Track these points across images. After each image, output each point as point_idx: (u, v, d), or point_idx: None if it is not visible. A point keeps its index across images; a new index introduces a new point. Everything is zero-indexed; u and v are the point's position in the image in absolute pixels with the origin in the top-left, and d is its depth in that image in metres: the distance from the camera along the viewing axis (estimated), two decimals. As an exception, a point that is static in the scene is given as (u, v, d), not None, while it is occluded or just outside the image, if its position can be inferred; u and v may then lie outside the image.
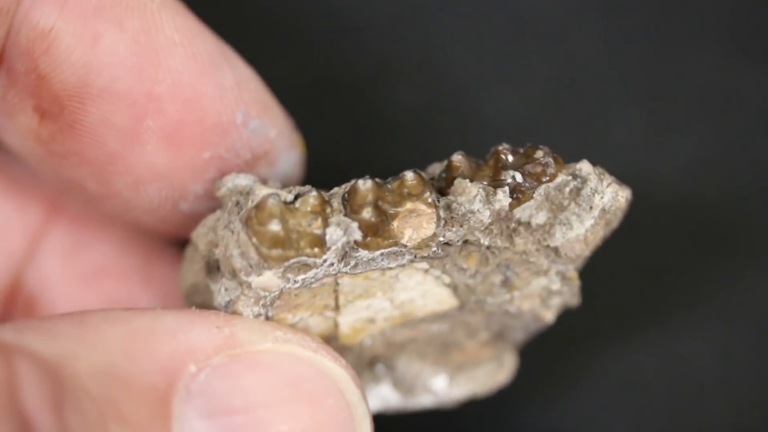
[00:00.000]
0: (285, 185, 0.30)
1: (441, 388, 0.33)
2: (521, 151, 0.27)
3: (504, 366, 0.33)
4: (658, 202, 0.39)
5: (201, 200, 0.29)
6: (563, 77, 0.40)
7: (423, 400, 0.33)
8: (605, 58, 0.41)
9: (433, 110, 0.40)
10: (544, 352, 0.38)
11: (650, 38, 0.41)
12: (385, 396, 0.33)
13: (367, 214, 0.26)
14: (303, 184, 0.31)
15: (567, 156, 0.30)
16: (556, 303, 0.30)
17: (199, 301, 0.29)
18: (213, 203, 0.29)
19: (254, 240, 0.25)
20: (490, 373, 0.33)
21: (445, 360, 0.32)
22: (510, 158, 0.27)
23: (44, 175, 0.30)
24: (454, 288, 0.30)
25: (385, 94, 0.40)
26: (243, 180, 0.28)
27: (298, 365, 0.26)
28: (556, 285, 0.30)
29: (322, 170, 0.33)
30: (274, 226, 0.25)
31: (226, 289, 0.27)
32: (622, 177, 0.29)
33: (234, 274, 0.26)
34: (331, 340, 0.30)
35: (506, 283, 0.30)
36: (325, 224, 0.26)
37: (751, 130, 0.40)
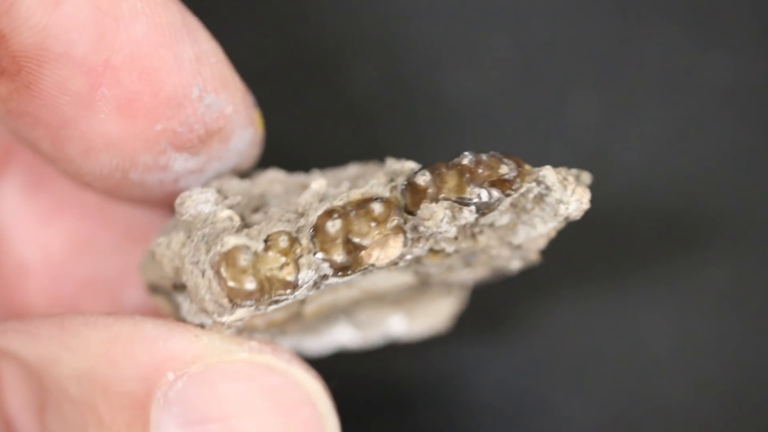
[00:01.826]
0: (241, 175, 0.30)
1: (399, 325, 0.33)
2: (485, 159, 0.27)
3: (455, 296, 0.33)
4: (618, 183, 0.38)
5: (151, 171, 0.28)
6: (523, 58, 0.39)
7: (381, 337, 0.33)
8: (565, 38, 0.39)
9: (393, 91, 0.39)
10: (504, 328, 0.38)
11: (610, 19, 0.39)
12: (343, 337, 0.33)
13: (338, 256, 0.26)
14: (264, 163, 0.31)
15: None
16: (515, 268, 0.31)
17: (163, 294, 0.30)
18: (162, 174, 0.29)
19: (227, 293, 0.25)
20: (445, 305, 0.33)
21: (401, 301, 0.33)
22: (476, 171, 0.26)
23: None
24: (416, 273, 0.30)
25: (346, 74, 0.39)
26: (205, 205, 0.27)
27: (272, 376, 0.26)
28: (516, 263, 0.30)
29: (282, 150, 0.32)
30: (249, 285, 0.25)
31: (195, 314, 0.27)
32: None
33: (205, 311, 0.26)
34: (294, 317, 0.30)
35: (468, 265, 0.30)
36: (297, 269, 0.26)
37: (710, 112, 0.39)
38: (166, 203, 0.30)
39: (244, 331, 0.28)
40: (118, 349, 0.26)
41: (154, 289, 0.30)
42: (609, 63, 0.40)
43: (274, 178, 0.29)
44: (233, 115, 0.28)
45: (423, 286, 0.32)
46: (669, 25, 0.40)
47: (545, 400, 0.39)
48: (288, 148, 0.32)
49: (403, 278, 0.30)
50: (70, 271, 0.33)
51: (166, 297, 0.30)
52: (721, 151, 0.39)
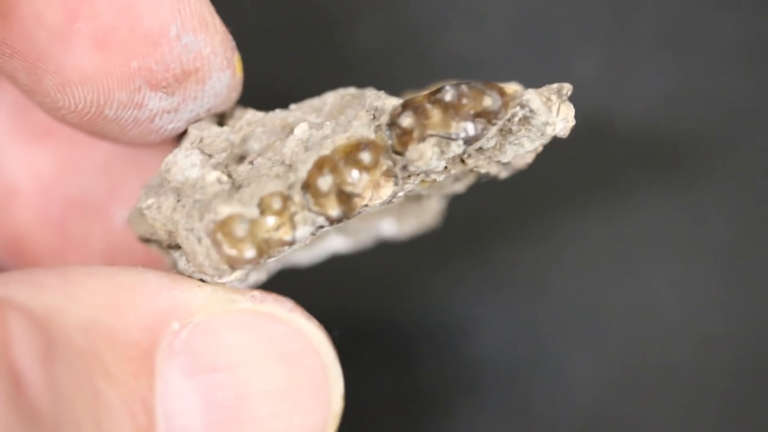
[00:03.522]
0: (219, 122, 0.30)
1: (389, 228, 0.33)
2: (467, 91, 0.26)
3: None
4: (619, 138, 0.38)
5: (125, 108, 0.28)
6: (524, 13, 0.39)
7: (372, 240, 0.33)
8: None
9: (394, 47, 0.39)
10: (508, 284, 0.38)
11: None
12: (334, 244, 0.33)
13: (333, 210, 0.26)
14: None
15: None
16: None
17: (156, 245, 0.30)
18: (137, 112, 0.29)
19: (227, 260, 0.26)
20: (432, 204, 0.33)
21: (389, 207, 0.32)
22: (460, 105, 0.26)
23: None
24: (406, 195, 0.31)
25: (347, 30, 0.39)
26: (191, 170, 0.27)
27: (276, 325, 0.27)
28: (504, 173, 0.30)
29: (278, 103, 0.32)
30: (248, 253, 0.25)
31: (193, 273, 0.27)
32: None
33: (205, 274, 0.27)
34: None
35: (456, 180, 0.30)
36: (293, 228, 0.26)
37: (712, 67, 0.39)
38: (140, 141, 0.30)
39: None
40: (122, 299, 0.26)
41: (146, 240, 0.30)
42: (611, 19, 0.40)
43: (252, 120, 0.29)
44: (211, 56, 0.28)
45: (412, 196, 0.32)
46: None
47: (549, 356, 0.39)
48: (279, 103, 0.32)
49: (395, 200, 0.30)
50: (58, 191, 0.33)
51: (160, 247, 0.30)
52: (722, 106, 0.39)
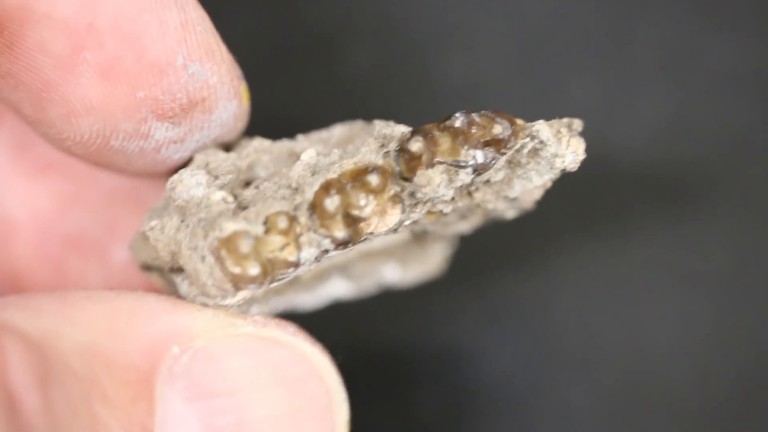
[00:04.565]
0: (226, 147, 0.29)
1: (392, 274, 0.33)
2: (477, 119, 0.26)
3: (448, 240, 0.33)
4: (617, 165, 0.38)
5: (132, 138, 0.28)
6: (521, 40, 0.39)
7: (375, 286, 0.33)
8: (564, 19, 0.39)
9: (390, 71, 0.39)
10: (508, 315, 0.38)
11: (609, 1, 0.39)
12: (337, 290, 0.33)
13: (339, 232, 0.26)
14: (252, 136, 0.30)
15: (524, 118, 0.30)
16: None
17: (157, 273, 0.29)
18: (143, 142, 0.28)
19: (230, 279, 0.25)
20: (437, 250, 0.33)
21: (394, 251, 0.33)
22: (469, 132, 0.26)
23: None
24: (412, 231, 0.30)
25: (341, 55, 0.39)
26: (197, 189, 0.27)
27: (278, 350, 0.26)
28: (511, 213, 0.30)
29: (274, 130, 0.32)
30: (253, 270, 0.25)
31: (195, 296, 0.27)
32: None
33: (207, 295, 0.26)
34: (291, 281, 0.30)
35: (463, 217, 0.30)
36: (298, 249, 0.25)
37: (710, 94, 0.39)
38: (146, 172, 0.30)
39: (243, 303, 0.28)
40: (120, 323, 0.26)
41: (147, 268, 0.29)
42: (609, 46, 0.40)
43: (260, 148, 0.29)
44: (217, 85, 0.28)
45: (417, 237, 0.32)
46: (669, 7, 0.40)
47: (549, 387, 0.39)
48: (279, 128, 0.32)
49: (398, 236, 0.30)
50: (57, 228, 0.33)
51: (161, 275, 0.29)
52: (720, 135, 0.39)
